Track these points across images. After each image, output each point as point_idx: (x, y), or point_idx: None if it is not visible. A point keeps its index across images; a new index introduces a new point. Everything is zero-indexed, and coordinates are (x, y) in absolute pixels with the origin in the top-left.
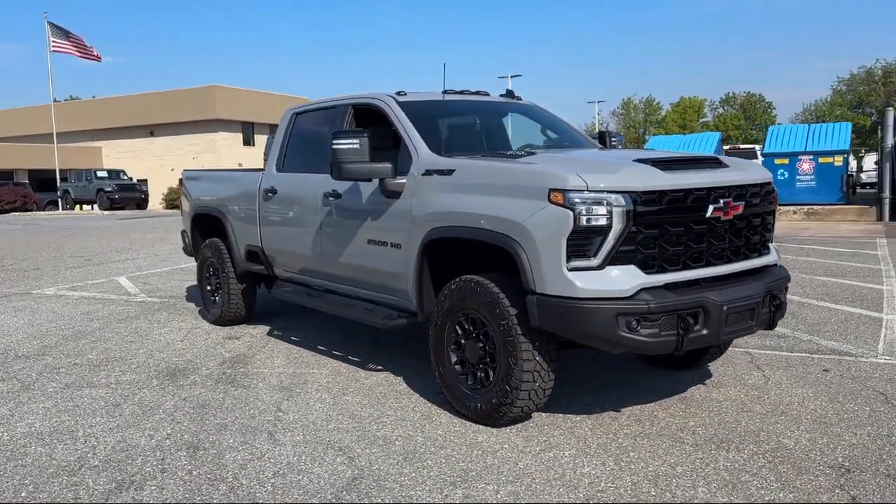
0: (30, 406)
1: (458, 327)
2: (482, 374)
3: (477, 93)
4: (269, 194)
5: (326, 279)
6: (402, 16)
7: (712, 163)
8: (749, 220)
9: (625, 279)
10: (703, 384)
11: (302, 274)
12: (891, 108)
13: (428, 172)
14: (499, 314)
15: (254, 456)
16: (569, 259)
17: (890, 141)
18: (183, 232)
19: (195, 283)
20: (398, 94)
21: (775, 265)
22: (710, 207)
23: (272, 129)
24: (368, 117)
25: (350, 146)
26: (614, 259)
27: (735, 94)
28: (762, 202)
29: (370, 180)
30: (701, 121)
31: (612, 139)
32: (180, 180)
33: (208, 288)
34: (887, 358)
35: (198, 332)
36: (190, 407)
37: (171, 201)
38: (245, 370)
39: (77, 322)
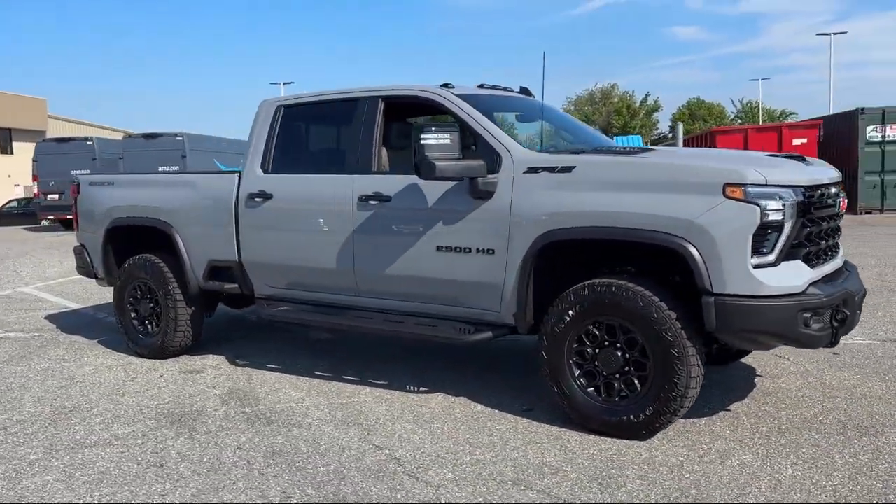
0: (33, 481)
1: (584, 337)
2: (620, 385)
3: (505, 89)
4: (258, 200)
5: (353, 294)
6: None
7: (806, 160)
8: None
9: (797, 274)
10: (760, 376)
11: (307, 290)
12: (680, 123)
13: (532, 170)
14: (659, 319)
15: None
16: (751, 256)
17: None
18: (80, 248)
19: (50, 312)
20: (445, 86)
21: None
22: (837, 201)
23: (27, 135)
24: (403, 112)
25: (441, 141)
26: (787, 255)
27: None
28: None
29: (462, 179)
30: None
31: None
32: (76, 186)
33: (134, 315)
34: (862, 339)
35: (135, 368)
36: (261, 456)
37: None
38: (267, 407)
39: None
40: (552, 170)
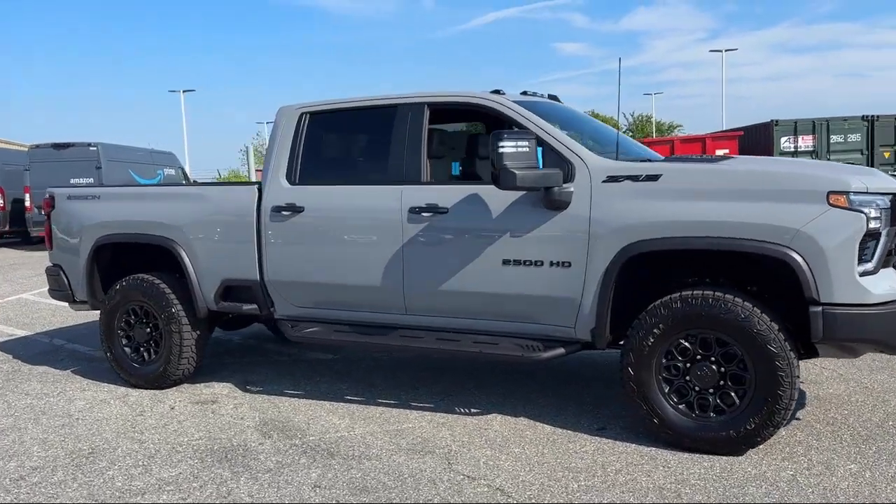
0: None
1: (674, 351)
2: (715, 400)
3: (541, 97)
4: (286, 213)
5: (399, 312)
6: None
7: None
8: None
9: (893, 281)
10: (804, 382)
11: (342, 309)
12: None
13: (613, 178)
14: (762, 331)
15: None
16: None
17: None
18: (55, 269)
19: None
20: (497, 92)
21: None
22: None
23: None
24: (445, 119)
25: (520, 150)
26: (883, 262)
27: None
28: None
29: (539, 189)
30: None
31: None
32: (49, 200)
33: (126, 342)
34: None
35: (136, 401)
36: (348, 494)
37: None
38: (318, 438)
39: None
40: (635, 178)
